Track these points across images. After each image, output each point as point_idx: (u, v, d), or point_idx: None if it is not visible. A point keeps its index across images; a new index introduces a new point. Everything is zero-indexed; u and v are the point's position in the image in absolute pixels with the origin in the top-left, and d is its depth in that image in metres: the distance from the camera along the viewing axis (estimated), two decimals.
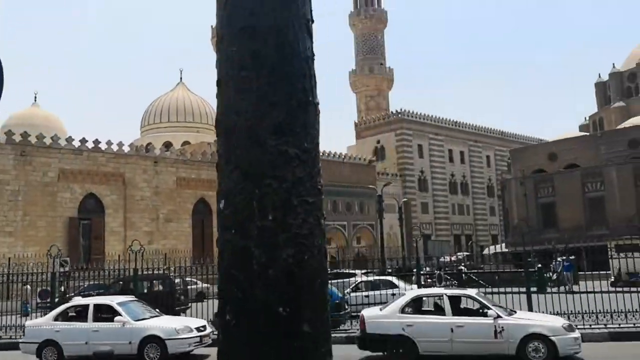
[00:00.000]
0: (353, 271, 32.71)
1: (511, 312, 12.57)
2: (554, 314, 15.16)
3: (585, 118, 69.52)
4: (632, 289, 22.67)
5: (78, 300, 17.76)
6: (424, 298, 13.45)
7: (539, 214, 53.95)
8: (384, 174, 66.21)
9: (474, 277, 33.98)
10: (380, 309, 13.05)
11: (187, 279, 28.91)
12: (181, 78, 71.52)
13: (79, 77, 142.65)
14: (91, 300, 15.77)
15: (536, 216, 54.03)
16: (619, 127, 57.65)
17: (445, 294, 12.71)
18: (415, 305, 12.84)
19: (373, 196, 62.40)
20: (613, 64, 68.60)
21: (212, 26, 61.33)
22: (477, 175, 76.60)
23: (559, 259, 34.60)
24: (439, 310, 12.83)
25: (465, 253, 61.38)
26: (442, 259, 55.28)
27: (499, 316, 11.81)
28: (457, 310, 12.56)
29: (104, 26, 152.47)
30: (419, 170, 69.59)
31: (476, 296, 12.86)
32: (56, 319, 14.90)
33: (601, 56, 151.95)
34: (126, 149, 45.63)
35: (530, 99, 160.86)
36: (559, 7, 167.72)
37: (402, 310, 12.38)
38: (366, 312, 13.27)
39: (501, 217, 68.97)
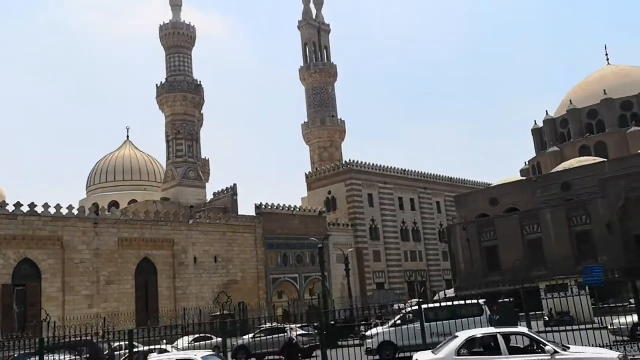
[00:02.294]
0: (284, 326, 32.79)
1: (565, 347, 12.54)
2: None
3: (525, 163, 71.66)
4: (562, 328, 23.31)
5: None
6: (476, 338, 13.19)
7: (483, 257, 54.87)
8: (335, 224, 66.78)
9: None
10: (434, 352, 13.00)
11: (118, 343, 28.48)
12: (128, 136, 71.88)
13: (20, 140, 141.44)
14: (175, 356, 15.25)
15: (480, 260, 54.93)
16: (552, 171, 59.63)
17: (499, 333, 12.73)
18: (469, 347, 12.78)
19: (325, 247, 62.78)
20: (547, 111, 71.56)
21: (156, 84, 62.03)
22: (428, 221, 77.73)
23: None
24: (493, 350, 12.74)
25: (418, 300, 61.84)
26: (395, 307, 55.83)
27: (556, 352, 11.89)
28: (510, 349, 12.57)
29: (48, 86, 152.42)
30: (370, 220, 70.34)
31: (530, 333, 13.00)
32: None
33: (540, 103, 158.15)
34: (65, 211, 45.18)
35: (477, 145, 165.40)
36: (501, 55, 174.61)
37: (458, 353, 12.40)
38: (420, 357, 13.27)
39: None
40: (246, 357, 29.61)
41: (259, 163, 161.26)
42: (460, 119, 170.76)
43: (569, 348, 12.56)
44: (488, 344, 13.14)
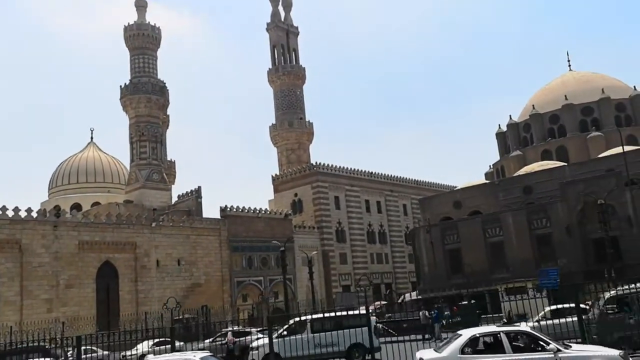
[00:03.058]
0: (248, 329, 32.74)
1: (566, 346, 12.62)
2: None
3: (489, 166, 72.70)
4: None
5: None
6: (479, 337, 13.22)
7: (447, 260, 55.47)
8: (301, 226, 66.80)
9: (383, 327, 34.57)
10: (437, 351, 12.97)
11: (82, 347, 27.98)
12: (92, 138, 70.83)
13: None
14: (171, 357, 14.92)
15: (444, 262, 55.52)
16: (514, 175, 60.63)
17: (502, 332, 12.78)
18: (473, 345, 12.78)
19: (290, 250, 62.78)
20: (510, 115, 72.68)
21: (120, 86, 61.28)
22: (395, 224, 78.28)
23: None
24: (496, 348, 12.74)
25: (384, 302, 62.22)
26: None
27: (559, 350, 11.98)
28: (514, 348, 12.57)
29: (9, 87, 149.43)
30: (336, 222, 70.54)
31: (532, 332, 13.06)
32: None
33: (505, 107, 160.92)
34: (23, 214, 44.34)
35: (444, 148, 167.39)
36: (467, 58, 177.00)
37: (462, 351, 12.40)
38: (424, 355, 13.15)
39: None
40: None
41: (227, 165, 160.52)
42: (428, 122, 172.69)
43: (570, 346, 12.72)
44: (491, 343, 13.20)
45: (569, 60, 74.67)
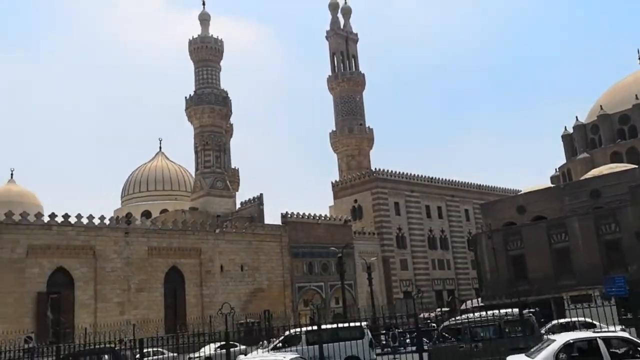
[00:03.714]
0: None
1: None
2: None
3: (555, 169, 70.81)
4: None
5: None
6: (573, 343, 12.88)
7: (510, 266, 54.42)
8: (361, 233, 67.14)
9: (445, 335, 34.53)
10: (528, 356, 12.83)
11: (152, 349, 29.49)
12: (160, 147, 73.79)
13: (58, 151, 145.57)
14: (263, 357, 15.90)
15: (507, 268, 54.49)
16: (581, 178, 58.84)
17: (599, 338, 12.37)
18: (567, 351, 12.50)
19: (350, 256, 63.26)
20: (577, 116, 70.57)
21: (185, 97, 63.63)
22: (456, 229, 77.41)
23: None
24: (592, 355, 12.41)
25: (445, 309, 61.68)
26: (422, 316, 55.77)
27: None
28: (611, 354, 12.18)
29: (83, 98, 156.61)
30: (396, 228, 70.48)
31: (632, 337, 12.76)
32: None
33: (571, 108, 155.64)
34: (97, 221, 46.74)
35: (508, 152, 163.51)
36: (531, 59, 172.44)
37: (557, 357, 12.20)
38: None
39: None
40: None
41: (288, 172, 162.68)
42: (491, 125, 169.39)
43: None
44: (586, 349, 12.78)
45: (639, 58, 71.93)
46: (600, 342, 12.10)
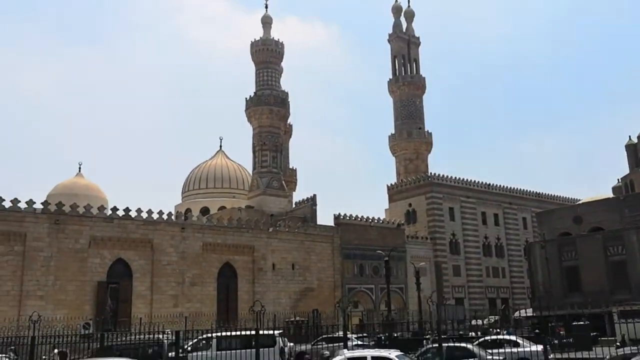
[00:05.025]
0: (348, 336, 34.14)
1: None
2: None
3: (617, 180, 68.59)
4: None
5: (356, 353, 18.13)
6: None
7: (563, 277, 53.47)
8: (414, 237, 67.22)
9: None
10: None
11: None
12: (221, 146, 76.09)
13: (125, 147, 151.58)
14: (369, 353, 16.63)
15: (560, 280, 53.57)
16: None
17: (369, 355, 13.54)
18: None
19: (402, 259, 63.48)
20: None
21: (245, 98, 65.54)
22: (513, 237, 76.14)
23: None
24: None
25: (497, 317, 60.93)
26: (474, 323, 55.49)
27: None
28: None
29: (151, 96, 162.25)
30: (450, 233, 70.10)
31: (393, 357, 13.77)
32: None
33: (635, 116, 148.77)
34: (155, 216, 49.00)
35: (569, 160, 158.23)
36: (595, 67, 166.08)
37: None
38: None
39: None
40: None
41: (346, 174, 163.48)
42: (553, 132, 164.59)
43: None
44: None
45: None
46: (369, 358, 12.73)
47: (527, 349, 21.55)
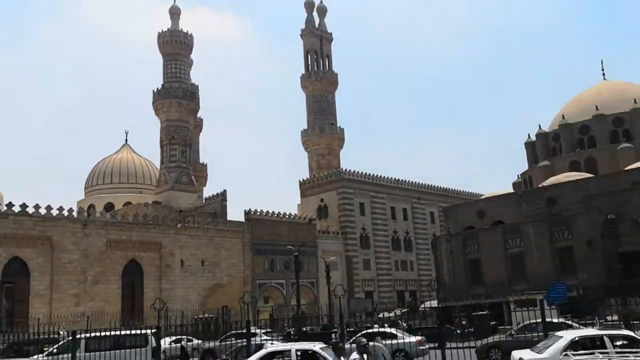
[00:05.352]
0: (254, 331, 33.76)
1: None
2: None
3: (517, 176, 72.26)
4: None
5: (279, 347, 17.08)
6: (579, 340, 13.34)
7: (467, 270, 55.49)
8: (325, 232, 67.69)
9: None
10: (535, 351, 13.40)
11: None
12: (127, 140, 73.40)
13: (22, 140, 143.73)
14: (293, 346, 15.63)
15: (464, 272, 55.55)
16: (539, 185, 60.14)
17: (605, 335, 13.12)
18: (574, 348, 12.97)
19: (313, 254, 63.79)
20: (539, 124, 72.07)
21: (153, 90, 63.49)
22: (421, 231, 78.41)
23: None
24: (597, 348, 12.85)
25: (405, 309, 62.58)
26: (381, 315, 56.52)
27: None
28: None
29: (52, 86, 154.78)
30: (360, 228, 71.18)
31: (635, 335, 13.42)
32: None
33: (537, 116, 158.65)
34: (55, 212, 46.55)
35: (474, 156, 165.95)
36: (500, 67, 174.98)
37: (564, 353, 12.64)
38: (523, 355, 13.57)
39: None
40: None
41: (259, 169, 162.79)
42: (459, 130, 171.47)
43: None
44: (592, 346, 13.24)
45: (603, 70, 73.74)
46: (606, 339, 12.94)
47: (404, 341, 22.31)
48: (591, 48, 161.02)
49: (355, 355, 11.50)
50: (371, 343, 13.57)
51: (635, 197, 48.47)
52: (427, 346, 24.29)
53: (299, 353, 14.58)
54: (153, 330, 19.62)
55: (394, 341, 21.76)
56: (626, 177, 53.37)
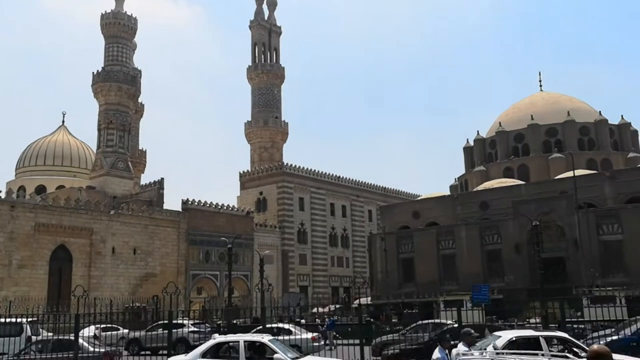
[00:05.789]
0: (182, 322, 33.46)
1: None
2: None
3: (455, 179, 74.05)
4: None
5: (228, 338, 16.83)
6: (516, 340, 13.52)
7: (400, 268, 56.67)
8: (263, 225, 67.59)
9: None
10: (472, 351, 13.38)
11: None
12: (63, 121, 71.02)
13: None
14: (241, 337, 15.43)
15: (397, 270, 56.71)
16: (473, 190, 61.94)
17: (541, 336, 13.39)
18: (510, 347, 13.04)
19: (249, 247, 63.59)
20: (478, 130, 74.11)
21: (93, 72, 61.70)
22: (359, 229, 79.32)
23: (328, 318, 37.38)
24: (531, 349, 13.07)
25: (338, 305, 63.31)
26: (315, 310, 56.88)
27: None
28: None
29: None
30: (299, 223, 71.41)
31: (570, 337, 13.75)
32: (204, 355, 14.51)
33: (478, 122, 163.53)
34: None
35: (415, 157, 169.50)
36: (446, 70, 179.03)
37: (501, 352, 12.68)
38: (460, 349, 13.66)
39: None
40: (138, 349, 30.05)
41: (201, 158, 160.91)
42: (403, 130, 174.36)
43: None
44: (528, 345, 13.46)
45: (540, 81, 76.30)
46: (542, 339, 13.32)
47: (299, 337, 23.31)
48: (531, 59, 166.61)
49: (462, 346, 11.52)
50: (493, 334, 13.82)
51: (562, 205, 50.67)
52: (322, 342, 26.18)
53: (247, 344, 14.58)
54: (29, 320, 19.42)
55: (289, 337, 22.38)
56: (555, 185, 55.68)
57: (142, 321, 41.40)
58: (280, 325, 27.22)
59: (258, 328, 27.53)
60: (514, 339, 13.49)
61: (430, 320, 28.48)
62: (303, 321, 39.71)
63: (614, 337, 18.54)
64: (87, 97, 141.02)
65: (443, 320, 27.00)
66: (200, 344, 18.51)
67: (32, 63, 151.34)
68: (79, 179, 64.44)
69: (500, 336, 13.82)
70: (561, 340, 13.85)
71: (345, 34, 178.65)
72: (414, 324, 27.02)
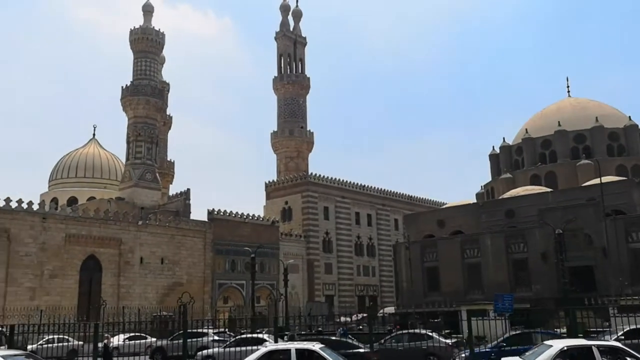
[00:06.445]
0: (204, 331, 34.00)
1: None
2: None
3: (481, 187, 73.51)
4: None
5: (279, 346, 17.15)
6: (567, 350, 13.34)
7: (425, 277, 56.42)
8: (288, 234, 68.11)
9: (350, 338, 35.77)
10: (523, 358, 13.47)
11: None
12: (94, 134, 72.84)
13: None
14: (292, 345, 15.82)
15: (422, 279, 56.48)
16: (499, 197, 61.38)
17: (594, 345, 13.04)
18: (563, 357, 12.97)
19: (275, 256, 64.12)
20: (504, 137, 73.50)
21: (122, 87, 63.25)
22: (384, 237, 79.25)
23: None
24: None
25: (364, 314, 63.28)
26: (343, 319, 57.02)
27: None
28: None
29: (22, 77, 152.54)
30: (324, 232, 71.74)
31: (625, 347, 13.42)
32: None
33: (504, 128, 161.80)
34: (14, 204, 46.13)
35: (442, 166, 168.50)
36: (473, 77, 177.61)
37: None
38: None
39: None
40: (162, 357, 30.66)
41: (228, 169, 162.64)
42: (429, 139, 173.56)
43: None
44: (581, 356, 13.25)
45: (568, 86, 75.37)
46: (595, 349, 12.91)
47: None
48: (559, 64, 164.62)
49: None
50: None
51: (589, 212, 49.90)
52: None
53: (298, 352, 14.92)
54: (4, 329, 19.11)
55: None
56: (583, 192, 54.80)
57: (168, 330, 42.21)
58: (259, 335, 26.73)
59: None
60: (565, 348, 13.12)
61: (405, 331, 27.91)
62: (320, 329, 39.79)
63: None
64: (117, 110, 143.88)
65: (423, 331, 26.44)
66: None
67: (64, 77, 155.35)
68: (109, 190, 65.95)
69: (551, 345, 13.50)
70: (614, 349, 13.46)
71: (369, 42, 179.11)
72: (394, 334, 27.00)
